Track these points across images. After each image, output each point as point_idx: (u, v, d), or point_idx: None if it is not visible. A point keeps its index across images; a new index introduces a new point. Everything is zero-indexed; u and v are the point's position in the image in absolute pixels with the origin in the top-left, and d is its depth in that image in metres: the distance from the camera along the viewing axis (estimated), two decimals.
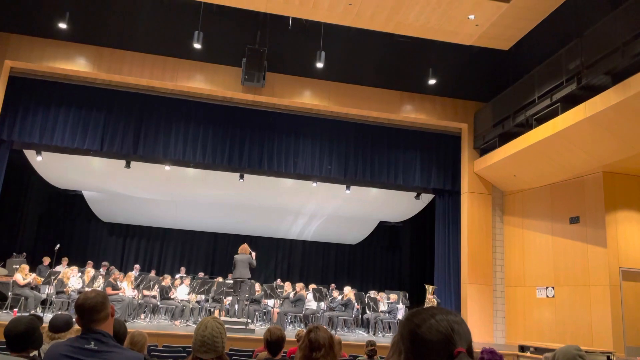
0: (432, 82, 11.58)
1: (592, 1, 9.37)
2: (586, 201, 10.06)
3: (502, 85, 11.34)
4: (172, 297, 11.02)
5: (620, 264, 9.46)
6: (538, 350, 8.63)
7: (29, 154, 12.30)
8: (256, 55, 10.61)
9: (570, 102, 9.01)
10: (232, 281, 10.56)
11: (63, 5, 10.26)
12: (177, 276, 12.85)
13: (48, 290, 10.46)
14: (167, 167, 12.26)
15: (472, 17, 9.40)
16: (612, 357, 8.15)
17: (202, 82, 11.18)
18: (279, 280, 14.07)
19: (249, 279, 10.16)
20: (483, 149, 11.95)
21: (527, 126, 10.28)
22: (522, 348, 9.18)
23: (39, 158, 11.97)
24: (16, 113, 10.61)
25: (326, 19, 9.91)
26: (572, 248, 10.21)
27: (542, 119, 9.74)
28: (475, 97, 12.30)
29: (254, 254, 10.40)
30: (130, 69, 10.90)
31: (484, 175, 12.01)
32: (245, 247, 10.37)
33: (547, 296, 10.54)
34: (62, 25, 10.24)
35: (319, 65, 10.57)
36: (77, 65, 10.75)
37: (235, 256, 10.30)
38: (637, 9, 7.68)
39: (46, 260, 12.37)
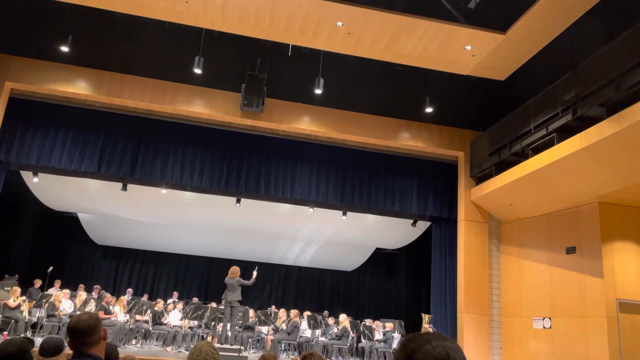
0: (429, 110, 11.72)
1: (587, 34, 9.55)
2: (582, 231, 10.04)
3: (498, 115, 11.45)
4: (164, 322, 10.87)
5: (617, 295, 9.40)
6: None
7: (25, 174, 12.27)
8: (256, 81, 10.74)
9: (566, 132, 9.10)
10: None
11: (66, 28, 10.40)
12: (170, 301, 12.69)
13: (39, 314, 10.30)
14: (164, 190, 12.22)
15: (468, 47, 9.56)
16: None
17: (201, 106, 11.25)
18: (273, 307, 13.92)
19: (238, 301, 10.03)
20: (479, 178, 11.99)
21: (523, 155, 10.34)
22: None
23: (35, 179, 11.95)
24: (15, 134, 10.62)
25: (325, 47, 10.06)
26: (568, 278, 10.15)
27: (538, 149, 9.81)
28: (471, 126, 12.42)
29: (252, 279, 10.32)
30: (131, 93, 10.97)
31: (480, 204, 12.02)
32: (235, 270, 10.21)
33: (544, 327, 10.43)
34: (64, 49, 10.36)
35: (318, 92, 10.69)
36: (78, 88, 10.82)
37: (225, 280, 10.19)
38: (631, 42, 7.83)
39: (37, 283, 12.22)
